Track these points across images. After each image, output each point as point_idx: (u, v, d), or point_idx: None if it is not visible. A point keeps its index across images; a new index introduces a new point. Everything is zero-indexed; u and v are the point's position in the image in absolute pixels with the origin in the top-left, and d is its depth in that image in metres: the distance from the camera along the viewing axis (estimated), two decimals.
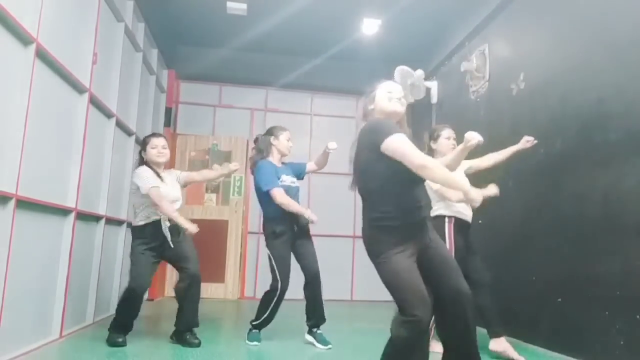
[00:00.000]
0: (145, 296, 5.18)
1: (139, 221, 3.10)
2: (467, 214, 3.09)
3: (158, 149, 3.18)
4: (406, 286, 1.85)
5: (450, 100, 5.19)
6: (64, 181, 3.12)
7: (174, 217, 3.01)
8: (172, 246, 3.08)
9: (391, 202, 1.95)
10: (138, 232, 3.10)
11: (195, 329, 3.14)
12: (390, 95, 2.12)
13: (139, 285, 3.01)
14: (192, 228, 3.00)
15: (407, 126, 2.20)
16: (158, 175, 3.13)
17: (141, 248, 3.05)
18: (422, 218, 1.99)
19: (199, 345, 3.05)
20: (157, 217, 3.07)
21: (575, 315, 2.99)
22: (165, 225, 3.07)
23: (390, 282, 1.89)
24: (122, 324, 3.04)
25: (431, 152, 3.14)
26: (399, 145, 1.92)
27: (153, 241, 3.06)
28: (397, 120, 2.14)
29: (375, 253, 1.95)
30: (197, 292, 3.14)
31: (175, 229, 3.11)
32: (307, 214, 3.21)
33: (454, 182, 1.93)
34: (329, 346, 3.16)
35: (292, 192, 3.33)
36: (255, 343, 3.20)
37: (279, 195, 3.18)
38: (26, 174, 2.53)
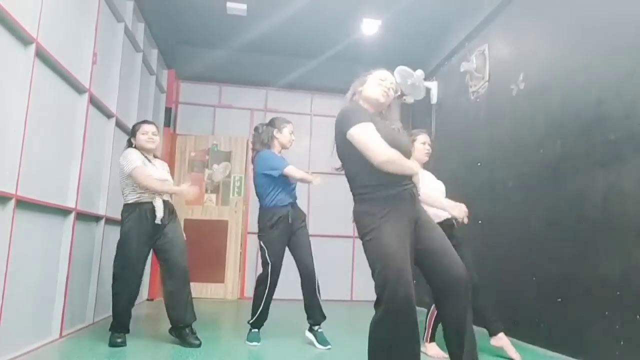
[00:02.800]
0: (144, 296, 5.20)
1: (130, 200, 3.09)
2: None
3: (148, 135, 3.20)
4: (387, 255, 1.83)
5: (450, 100, 5.19)
6: (63, 181, 3.12)
7: (165, 191, 3.12)
8: (160, 223, 3.05)
9: (373, 179, 1.96)
10: (129, 210, 3.07)
11: (196, 329, 3.14)
12: (380, 82, 2.13)
13: (128, 271, 3.02)
14: (186, 188, 3.17)
15: (393, 118, 2.21)
16: (147, 159, 3.17)
17: (131, 232, 3.02)
18: (406, 190, 1.97)
19: (199, 345, 3.05)
20: (148, 199, 3.08)
21: (575, 315, 2.99)
22: (159, 204, 3.07)
23: (371, 252, 1.89)
24: (120, 322, 3.03)
25: None
26: (361, 138, 1.95)
27: (144, 224, 3.04)
28: (380, 110, 2.15)
29: (364, 229, 1.94)
30: (186, 284, 3.13)
31: (167, 212, 3.13)
32: (316, 180, 3.34)
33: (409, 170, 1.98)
34: (329, 346, 3.15)
35: (291, 182, 3.37)
36: (255, 343, 3.20)
37: (294, 171, 3.27)
38: (26, 174, 2.53)
